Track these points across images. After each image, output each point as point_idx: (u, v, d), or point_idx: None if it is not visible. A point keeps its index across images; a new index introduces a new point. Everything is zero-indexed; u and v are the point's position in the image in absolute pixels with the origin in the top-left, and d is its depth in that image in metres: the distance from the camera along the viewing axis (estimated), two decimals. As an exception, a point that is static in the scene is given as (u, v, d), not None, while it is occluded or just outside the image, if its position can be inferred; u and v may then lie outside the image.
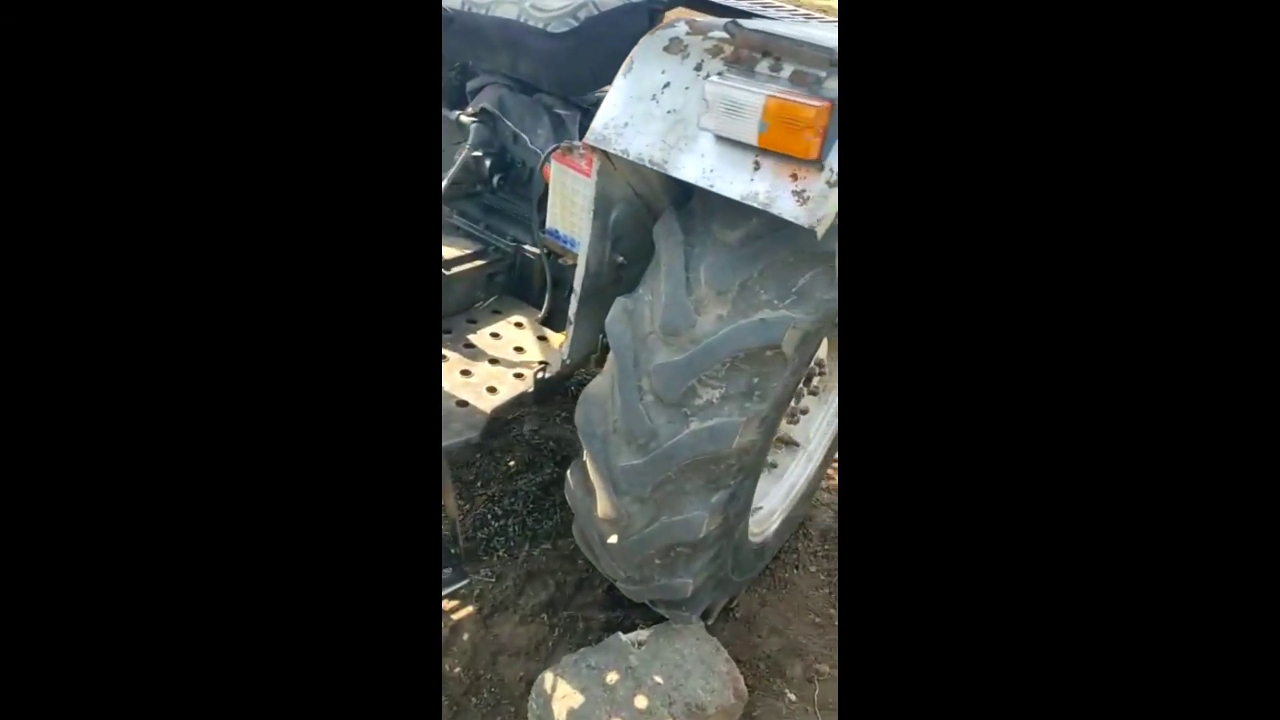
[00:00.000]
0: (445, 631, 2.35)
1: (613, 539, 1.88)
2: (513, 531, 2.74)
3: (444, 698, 2.17)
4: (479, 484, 2.94)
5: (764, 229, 1.71)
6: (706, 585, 2.02)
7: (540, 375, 1.97)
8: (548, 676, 2.00)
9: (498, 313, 2.28)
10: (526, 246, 2.29)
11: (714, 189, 1.53)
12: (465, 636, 2.36)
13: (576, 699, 1.93)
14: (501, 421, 2.77)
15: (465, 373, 1.96)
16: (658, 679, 2.02)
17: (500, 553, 2.67)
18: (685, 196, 1.87)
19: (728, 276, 1.66)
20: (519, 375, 1.99)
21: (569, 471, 1.99)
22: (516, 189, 2.34)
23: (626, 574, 1.98)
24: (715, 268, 1.68)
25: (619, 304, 1.80)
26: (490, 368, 2.00)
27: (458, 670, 2.24)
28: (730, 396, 1.68)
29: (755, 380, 1.67)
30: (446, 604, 2.45)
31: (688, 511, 1.77)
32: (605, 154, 1.73)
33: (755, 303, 1.66)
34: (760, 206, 1.49)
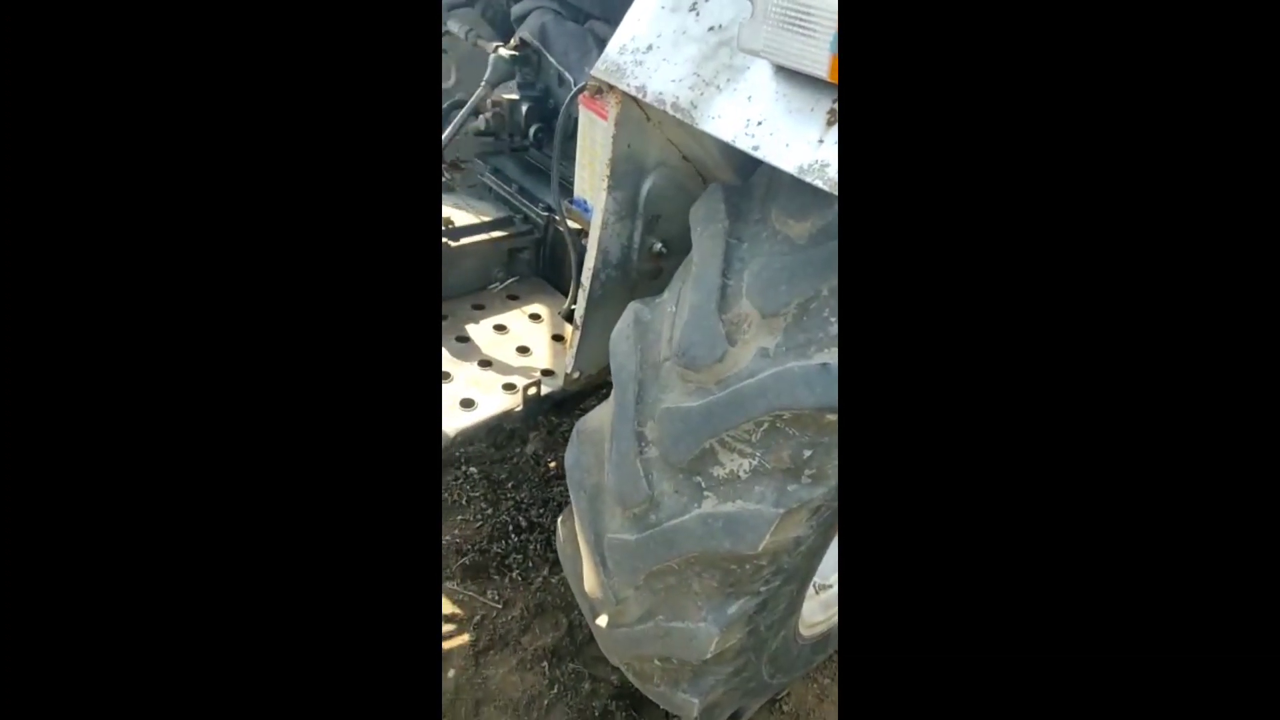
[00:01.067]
0: (428, 665, 2.00)
1: (601, 621, 1.40)
2: (533, 550, 2.34)
3: (406, 750, 1.83)
4: (510, 484, 2.56)
5: None
6: (727, 699, 1.49)
7: (533, 391, 1.50)
8: (510, 770, 1.58)
9: (514, 298, 1.82)
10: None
11: (759, 153, 0.95)
12: (450, 673, 2.00)
13: (537, 811, 1.50)
14: (459, 447, 2.33)
15: (445, 376, 1.52)
16: (649, 802, 1.54)
17: (514, 573, 2.27)
18: (754, 166, 1.28)
19: (782, 292, 1.08)
20: (510, 388, 1.52)
21: (560, 519, 1.52)
22: (567, 149, 1.85)
23: (620, 664, 1.49)
24: (766, 276, 1.10)
25: (631, 311, 1.27)
26: (478, 372, 1.56)
27: (430, 717, 1.89)
28: (765, 473, 1.11)
29: (808, 454, 1.09)
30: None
31: (690, 619, 1.24)
32: (632, 97, 1.18)
33: (818, 335, 1.07)
34: (826, 187, 0.89)
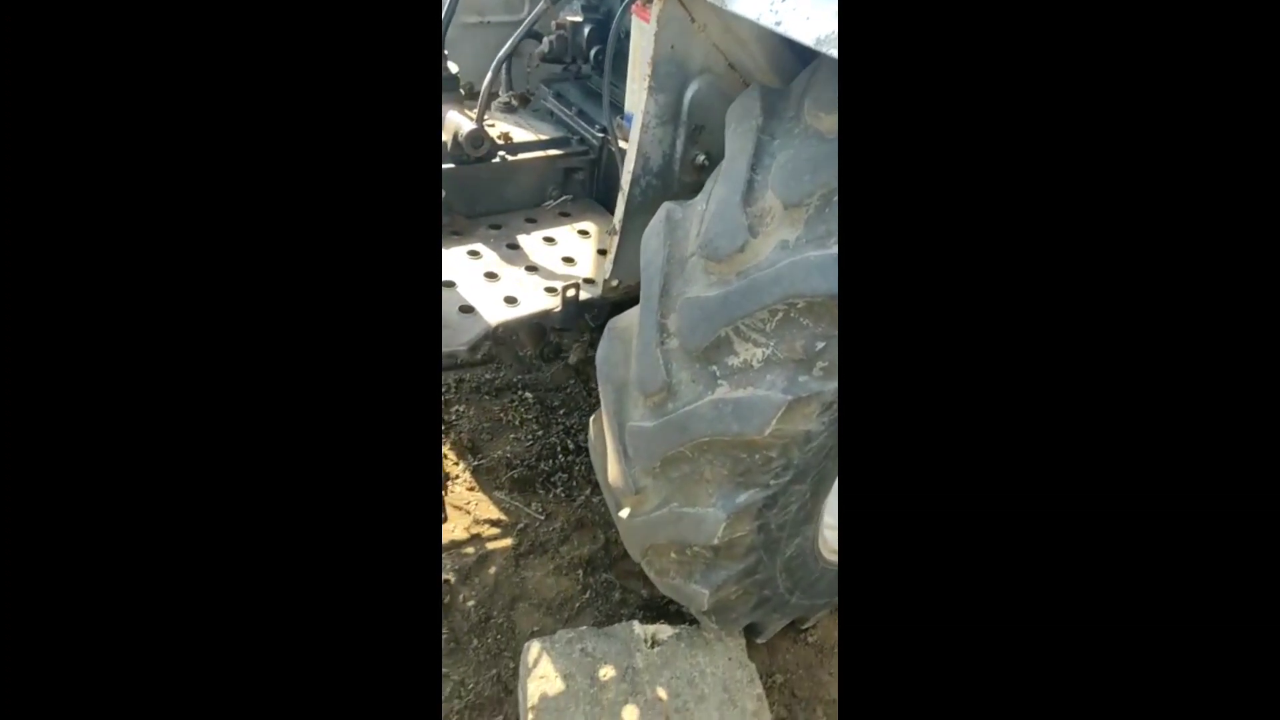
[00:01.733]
0: (472, 559, 2.15)
1: (624, 513, 1.47)
2: (578, 470, 2.44)
3: (446, 629, 1.98)
4: (562, 410, 2.67)
5: None
6: (741, 603, 1.54)
7: (571, 294, 1.57)
8: (534, 647, 1.70)
9: (566, 215, 1.89)
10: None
11: (781, 29, 0.97)
12: (491, 570, 2.13)
13: (555, 684, 1.61)
14: (508, 340, 2.37)
15: (490, 275, 1.62)
16: (660, 692, 1.62)
17: (558, 490, 2.39)
18: (798, 72, 1.29)
19: (805, 182, 1.10)
20: (551, 290, 1.60)
21: (592, 419, 1.60)
22: (622, 70, 1.89)
23: (639, 557, 1.57)
24: (791, 168, 1.12)
25: (664, 210, 1.32)
26: (524, 275, 1.64)
27: (470, 604, 2.03)
28: (778, 362, 1.14)
29: (820, 345, 1.11)
30: (483, 530, 2.25)
31: (701, 505, 1.29)
32: (672, -7, 1.21)
33: (837, 228, 1.09)
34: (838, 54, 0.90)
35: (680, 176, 1.51)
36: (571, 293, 1.58)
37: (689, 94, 1.39)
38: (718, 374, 1.20)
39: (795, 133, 1.17)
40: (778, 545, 1.43)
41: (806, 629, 2.08)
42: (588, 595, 2.10)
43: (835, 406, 1.18)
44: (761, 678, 1.91)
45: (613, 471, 1.46)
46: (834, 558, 1.76)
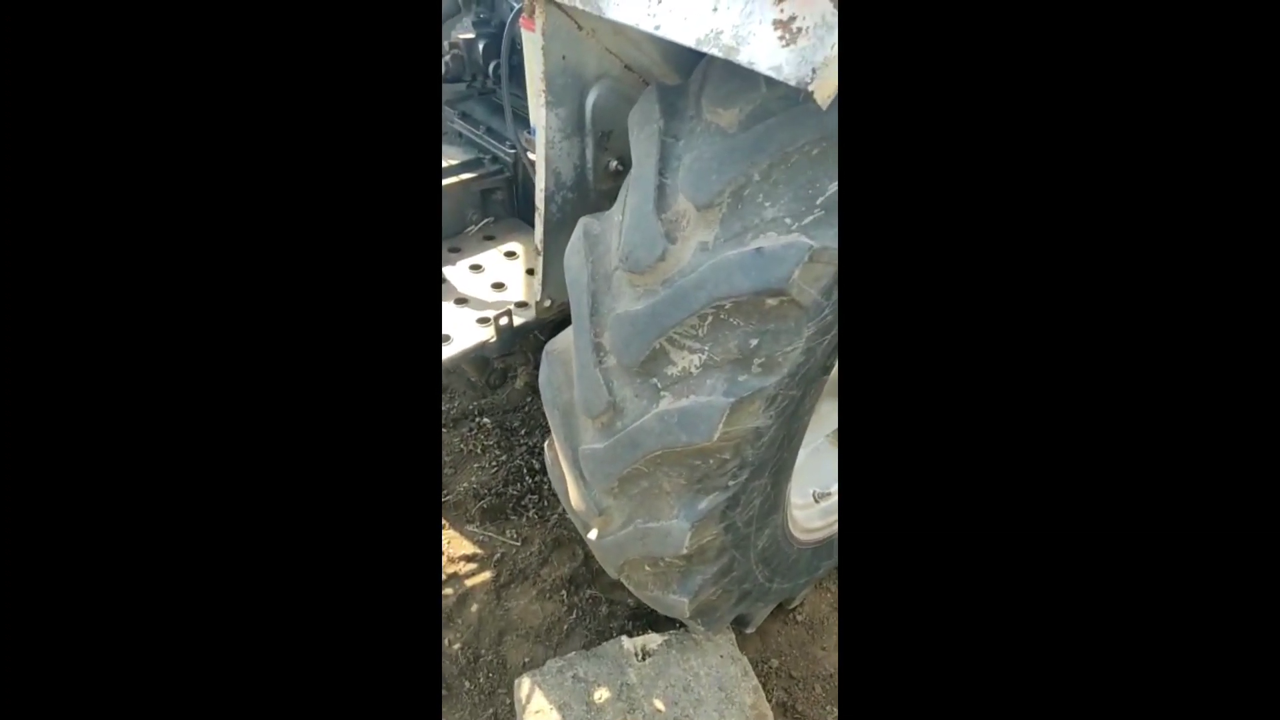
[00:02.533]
0: (451, 600, 2.10)
1: (592, 535, 1.45)
2: (547, 489, 2.41)
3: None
4: (523, 430, 2.63)
5: (774, 103, 1.08)
6: (723, 601, 1.53)
7: (504, 321, 1.53)
8: (524, 683, 1.66)
9: (490, 239, 1.84)
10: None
11: (661, 32, 0.94)
12: (473, 608, 2.09)
13: (550, 717, 1.58)
14: (455, 369, 2.32)
15: (419, 315, 1.56)
16: (658, 704, 1.61)
17: (530, 512, 2.35)
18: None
19: (713, 181, 1.08)
20: (484, 320, 1.56)
21: (546, 444, 1.56)
22: (523, 80, 1.84)
23: (616, 574, 1.55)
24: (698, 168, 1.10)
25: (581, 225, 1.28)
26: (453, 310, 1.60)
27: (456, 647, 1.99)
28: (715, 366, 1.12)
29: (754, 343, 1.10)
30: (459, 568, 2.20)
31: (664, 518, 1.27)
32: (551, 1, 1.18)
33: (754, 222, 1.07)
34: (721, 54, 0.88)
35: (596, 185, 1.48)
36: (505, 320, 1.54)
37: (590, 101, 1.36)
38: (659, 386, 1.18)
39: (698, 131, 1.14)
40: (748, 540, 1.42)
41: (794, 609, 2.09)
42: (574, 615, 2.07)
43: (779, 399, 1.17)
44: (756, 664, 1.92)
45: (574, 496, 1.43)
46: (806, 536, 1.76)
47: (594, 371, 1.23)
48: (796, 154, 1.05)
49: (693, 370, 1.14)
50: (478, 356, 1.59)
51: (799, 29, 0.79)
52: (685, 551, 1.27)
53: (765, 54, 0.82)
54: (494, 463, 2.52)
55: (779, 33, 0.80)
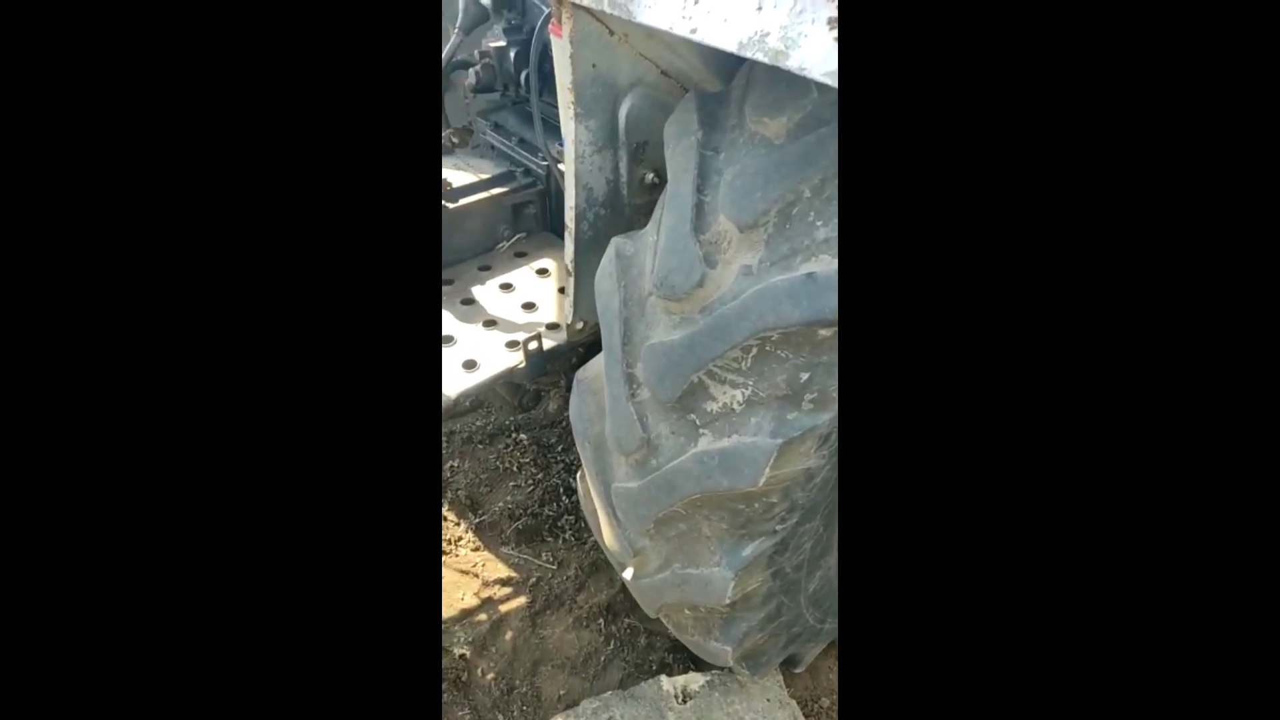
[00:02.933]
0: (486, 626, 2.03)
1: (627, 574, 1.35)
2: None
3: (468, 708, 1.87)
4: (560, 447, 2.55)
5: (827, 110, 0.96)
6: (770, 645, 1.42)
7: (534, 346, 1.44)
8: (558, 725, 1.58)
9: (522, 255, 1.76)
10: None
11: (697, 36, 0.84)
12: (508, 636, 2.02)
13: (586, 764, 1.49)
14: (466, 407, 2.22)
15: (446, 340, 1.49)
16: (700, 753, 1.50)
17: (567, 534, 2.27)
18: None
19: (757, 199, 0.97)
20: (513, 345, 1.48)
21: (579, 475, 1.47)
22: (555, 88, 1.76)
23: (655, 614, 1.45)
24: (740, 184, 0.99)
25: (613, 246, 1.19)
26: (481, 333, 1.52)
27: (489, 677, 1.92)
28: (760, 402, 1.01)
29: (804, 377, 0.98)
30: (494, 592, 2.13)
31: (704, 565, 1.17)
32: (581, 6, 1.08)
33: (804, 244, 0.95)
34: (768, 59, 0.77)
35: (631, 200, 1.38)
36: (534, 345, 1.45)
37: (623, 112, 1.26)
38: (698, 423, 1.07)
39: (740, 143, 1.03)
40: (798, 585, 1.30)
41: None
42: (612, 646, 1.98)
43: (834, 437, 1.05)
44: (806, 704, 1.79)
45: (607, 534, 1.34)
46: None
47: (626, 405, 1.13)
48: (852, 167, 0.94)
49: (735, 407, 1.03)
50: (507, 381, 1.51)
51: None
52: (728, 601, 1.17)
53: (820, 57, 0.71)
54: (530, 481, 2.45)
55: (835, 32, 0.69)
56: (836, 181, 0.94)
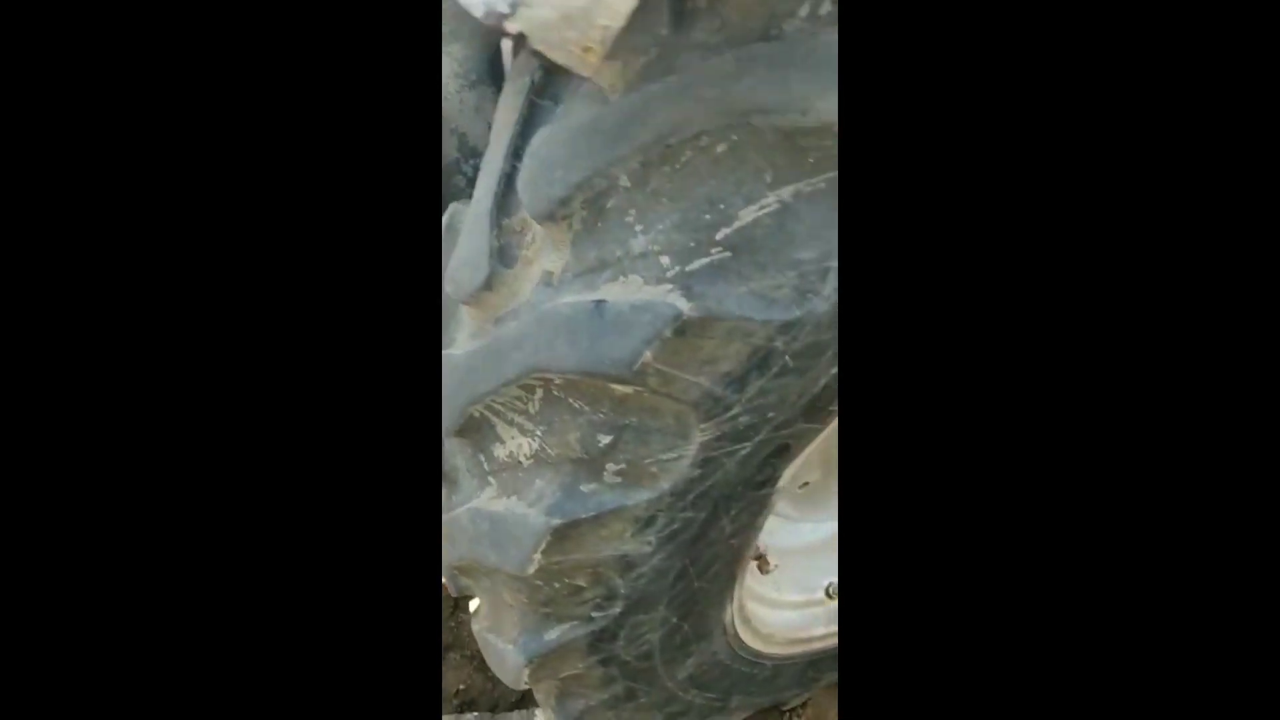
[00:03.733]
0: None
1: (472, 605, 1.14)
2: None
3: None
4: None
5: (681, 56, 0.63)
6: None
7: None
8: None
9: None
10: None
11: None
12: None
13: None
14: None
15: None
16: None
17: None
18: None
19: (557, 181, 0.66)
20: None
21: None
22: None
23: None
24: (546, 155, 0.68)
25: (449, 214, 0.91)
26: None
27: None
28: (548, 461, 0.73)
29: (604, 440, 0.69)
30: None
31: (503, 637, 0.92)
32: None
33: (615, 254, 0.64)
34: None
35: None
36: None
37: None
38: (486, 467, 0.81)
39: (580, 94, 0.72)
40: (654, 672, 1.03)
41: (791, 710, 1.66)
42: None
43: (662, 522, 0.75)
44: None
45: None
46: (794, 649, 1.33)
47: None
48: (689, 147, 0.60)
49: (522, 460, 0.76)
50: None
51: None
52: (524, 686, 0.92)
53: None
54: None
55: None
56: (665, 167, 0.62)
